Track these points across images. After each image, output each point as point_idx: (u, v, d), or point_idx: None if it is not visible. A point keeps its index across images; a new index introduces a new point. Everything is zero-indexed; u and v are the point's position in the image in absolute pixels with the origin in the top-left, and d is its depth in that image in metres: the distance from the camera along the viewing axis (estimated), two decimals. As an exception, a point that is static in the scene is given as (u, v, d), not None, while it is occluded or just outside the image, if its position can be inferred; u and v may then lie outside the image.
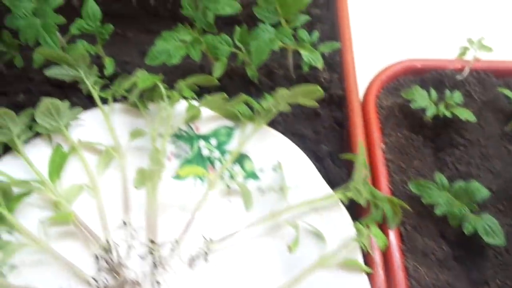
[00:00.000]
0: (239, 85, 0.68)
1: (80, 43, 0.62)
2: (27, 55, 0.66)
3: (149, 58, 0.57)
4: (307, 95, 0.51)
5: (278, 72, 0.68)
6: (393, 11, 0.91)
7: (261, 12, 0.58)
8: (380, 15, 0.90)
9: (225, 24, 0.69)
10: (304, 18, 0.59)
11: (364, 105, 0.65)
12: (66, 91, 0.66)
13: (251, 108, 0.58)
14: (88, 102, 0.64)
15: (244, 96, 0.55)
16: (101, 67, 0.65)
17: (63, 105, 0.52)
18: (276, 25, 0.60)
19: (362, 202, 0.47)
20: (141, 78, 0.50)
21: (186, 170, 0.53)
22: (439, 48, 0.76)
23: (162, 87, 0.53)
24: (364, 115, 0.64)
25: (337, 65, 0.70)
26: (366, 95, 0.66)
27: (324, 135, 0.65)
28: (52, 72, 0.55)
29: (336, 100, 0.67)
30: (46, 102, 0.49)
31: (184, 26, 0.60)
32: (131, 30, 0.76)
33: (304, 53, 0.62)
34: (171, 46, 0.57)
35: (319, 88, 0.50)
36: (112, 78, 0.66)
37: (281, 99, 0.51)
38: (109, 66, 0.66)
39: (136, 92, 0.54)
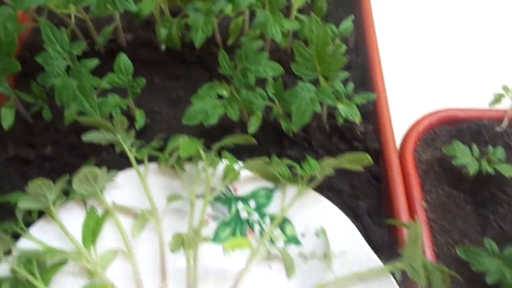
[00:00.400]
0: (272, 136, 0.66)
1: (112, 98, 0.60)
2: (55, 105, 0.64)
3: (186, 118, 0.55)
4: (354, 162, 0.49)
5: (312, 123, 0.67)
6: (424, 58, 0.90)
7: (299, 69, 0.56)
8: (410, 62, 0.89)
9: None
10: (343, 75, 0.58)
11: (401, 159, 0.63)
12: (95, 144, 0.65)
13: (290, 168, 0.56)
14: (119, 157, 0.62)
15: (286, 160, 0.53)
16: (130, 117, 0.64)
17: (101, 172, 0.50)
18: (314, 81, 0.58)
19: (419, 281, 0.45)
20: (183, 146, 0.48)
21: (231, 243, 0.51)
22: (474, 96, 0.75)
23: (202, 152, 0.51)
24: (403, 169, 0.62)
25: (371, 115, 0.69)
26: (402, 148, 0.65)
27: (361, 189, 0.63)
28: (89, 137, 0.53)
29: (372, 153, 0.65)
30: (85, 171, 0.48)
31: (220, 83, 0.59)
32: (158, 76, 0.75)
33: (341, 108, 0.60)
34: (208, 105, 0.55)
35: (368, 156, 0.48)
36: (142, 130, 0.65)
37: (327, 166, 0.49)
38: (140, 119, 0.64)
39: (175, 156, 0.52)
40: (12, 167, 0.64)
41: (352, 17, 0.71)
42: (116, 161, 0.62)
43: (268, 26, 0.57)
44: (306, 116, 0.54)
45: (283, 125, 0.63)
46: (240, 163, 0.56)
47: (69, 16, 0.70)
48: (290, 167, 0.56)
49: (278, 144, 0.66)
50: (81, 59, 0.56)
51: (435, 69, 0.87)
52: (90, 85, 0.52)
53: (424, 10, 0.97)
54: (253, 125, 0.60)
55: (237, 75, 0.55)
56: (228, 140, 0.54)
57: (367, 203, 0.62)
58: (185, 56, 0.76)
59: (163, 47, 0.68)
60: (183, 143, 0.49)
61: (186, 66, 0.76)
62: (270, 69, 0.54)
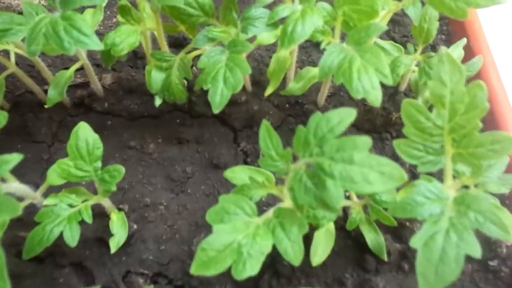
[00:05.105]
0: (347, 251, 0.40)
1: (60, 209, 0.33)
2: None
3: (196, 265, 0.27)
4: None
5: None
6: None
7: (408, 150, 0.30)
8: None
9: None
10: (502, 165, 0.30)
11: None
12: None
13: None
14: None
15: None
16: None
17: None
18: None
19: None
20: None
21: None
22: None
23: None
24: None
25: None
26: None
27: None
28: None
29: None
30: None
31: (257, 172, 0.31)
32: (153, 140, 0.47)
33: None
34: (241, 234, 0.28)
35: None
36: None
37: None
38: (120, 231, 0.37)
39: None
40: None
41: (464, 41, 0.44)
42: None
43: (353, 73, 0.29)
44: (453, 276, 0.26)
45: (369, 238, 0.36)
46: None
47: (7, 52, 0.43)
48: None
49: (357, 264, 0.39)
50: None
51: None
52: None
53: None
54: (321, 253, 0.32)
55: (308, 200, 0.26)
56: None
57: None
58: (193, 107, 0.48)
59: (157, 102, 0.41)
60: None
61: (196, 123, 0.48)
62: (380, 180, 0.24)
